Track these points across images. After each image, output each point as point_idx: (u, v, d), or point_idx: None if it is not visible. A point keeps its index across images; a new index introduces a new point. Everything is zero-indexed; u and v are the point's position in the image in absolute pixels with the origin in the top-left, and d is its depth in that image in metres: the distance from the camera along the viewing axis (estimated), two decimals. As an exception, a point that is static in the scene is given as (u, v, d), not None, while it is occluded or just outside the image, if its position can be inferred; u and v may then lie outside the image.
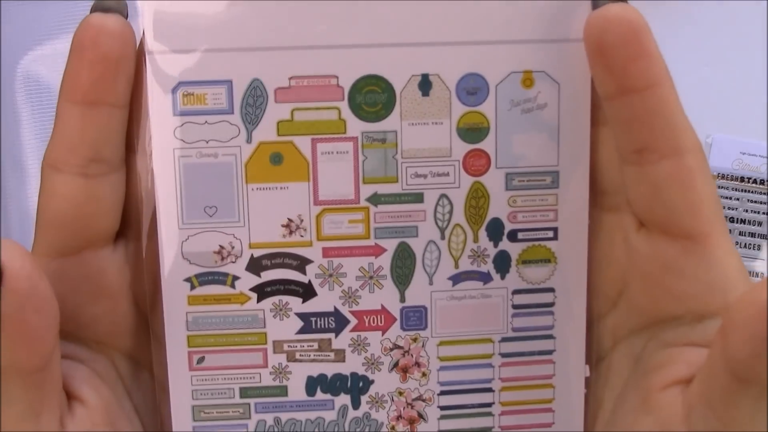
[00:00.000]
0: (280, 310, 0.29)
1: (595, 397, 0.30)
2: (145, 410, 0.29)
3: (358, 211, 0.29)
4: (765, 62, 0.58)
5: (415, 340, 0.30)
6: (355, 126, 0.28)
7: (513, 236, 0.29)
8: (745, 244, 0.54)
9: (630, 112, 0.25)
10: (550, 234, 0.29)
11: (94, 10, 0.26)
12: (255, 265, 0.29)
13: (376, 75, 0.28)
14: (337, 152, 0.28)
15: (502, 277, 0.29)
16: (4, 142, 0.47)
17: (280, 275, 0.29)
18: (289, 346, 0.29)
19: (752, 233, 0.53)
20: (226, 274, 0.29)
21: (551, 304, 0.30)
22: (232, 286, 0.29)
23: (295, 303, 0.29)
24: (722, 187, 0.54)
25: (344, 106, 0.28)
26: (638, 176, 0.26)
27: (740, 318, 0.21)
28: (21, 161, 0.49)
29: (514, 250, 0.29)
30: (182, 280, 0.28)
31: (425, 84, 0.28)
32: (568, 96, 0.28)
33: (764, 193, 0.56)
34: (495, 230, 0.29)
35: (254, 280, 0.29)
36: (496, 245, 0.29)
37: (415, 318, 0.30)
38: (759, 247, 0.53)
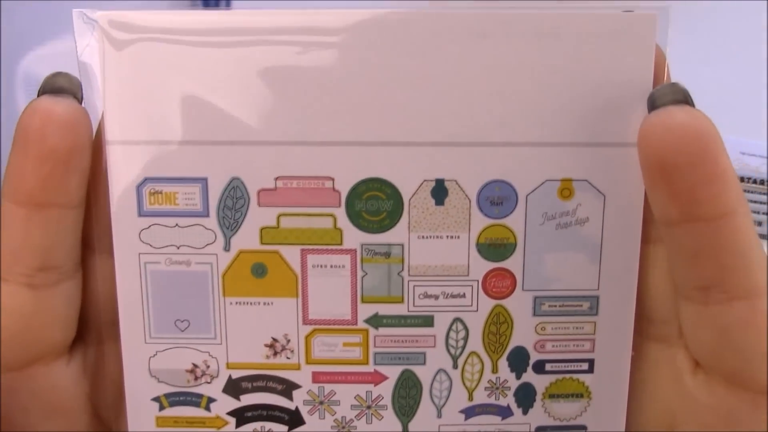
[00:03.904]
0: (263, 438, 0.26)
1: None
2: None
3: (354, 333, 0.25)
4: (765, 62, 0.60)
5: (418, 481, 0.26)
6: (354, 237, 0.24)
7: (540, 368, 0.25)
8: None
9: (696, 243, 0.21)
10: (585, 366, 0.25)
11: (42, 91, 0.22)
12: (233, 388, 0.26)
13: (380, 178, 0.24)
14: (332, 266, 0.24)
15: (525, 412, 0.26)
16: (4, 140, 0.46)
17: (263, 399, 0.26)
18: None
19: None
20: (200, 396, 0.26)
21: (582, 446, 0.26)
22: (207, 408, 0.26)
23: (279, 431, 0.26)
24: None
25: (341, 213, 0.24)
26: (701, 317, 0.22)
27: None
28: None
29: (540, 382, 0.26)
30: (149, 399, 0.25)
31: (440, 191, 0.24)
32: (614, 210, 0.24)
33: (764, 193, 0.58)
34: (518, 360, 0.25)
35: (232, 404, 0.26)
36: (518, 377, 0.25)
37: (421, 455, 0.26)
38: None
